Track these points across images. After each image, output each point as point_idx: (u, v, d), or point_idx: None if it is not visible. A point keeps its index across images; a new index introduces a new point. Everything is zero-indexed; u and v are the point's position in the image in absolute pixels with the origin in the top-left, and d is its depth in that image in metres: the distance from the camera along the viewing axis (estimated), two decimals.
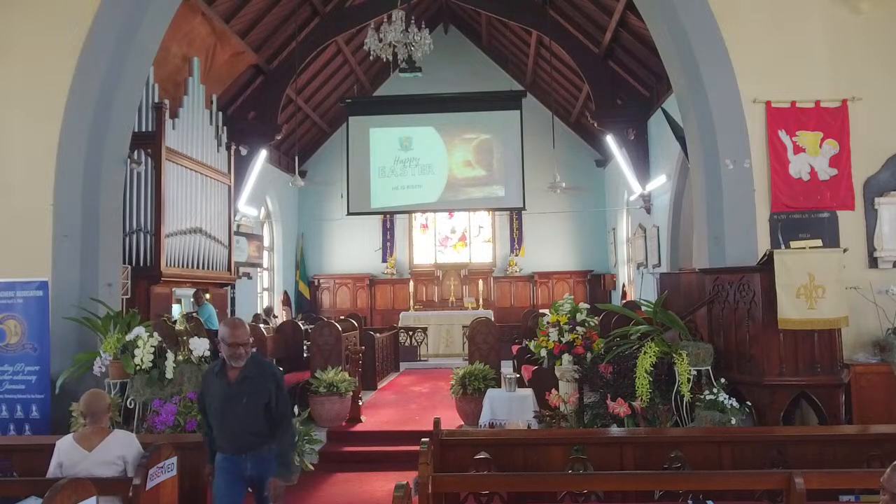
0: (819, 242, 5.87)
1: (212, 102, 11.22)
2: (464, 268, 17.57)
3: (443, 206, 15.92)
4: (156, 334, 5.95)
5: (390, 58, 9.49)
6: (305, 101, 15.49)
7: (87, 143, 6.46)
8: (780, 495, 3.68)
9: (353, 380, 7.77)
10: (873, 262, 6.12)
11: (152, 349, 5.76)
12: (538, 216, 16.88)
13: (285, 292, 16.93)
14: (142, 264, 9.09)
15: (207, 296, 10.28)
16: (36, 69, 6.49)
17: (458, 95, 15.26)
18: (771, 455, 4.24)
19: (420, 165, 15.31)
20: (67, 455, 3.72)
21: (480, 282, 17.31)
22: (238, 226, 13.05)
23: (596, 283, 17.15)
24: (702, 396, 5.18)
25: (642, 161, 13.00)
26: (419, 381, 11.33)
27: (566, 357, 6.18)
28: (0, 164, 6.48)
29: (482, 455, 4.21)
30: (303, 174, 16.72)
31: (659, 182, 12.27)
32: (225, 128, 11.59)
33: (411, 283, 17.29)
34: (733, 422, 4.95)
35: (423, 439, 3.83)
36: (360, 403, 8.06)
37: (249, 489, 3.97)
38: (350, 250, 17.88)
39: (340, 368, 7.96)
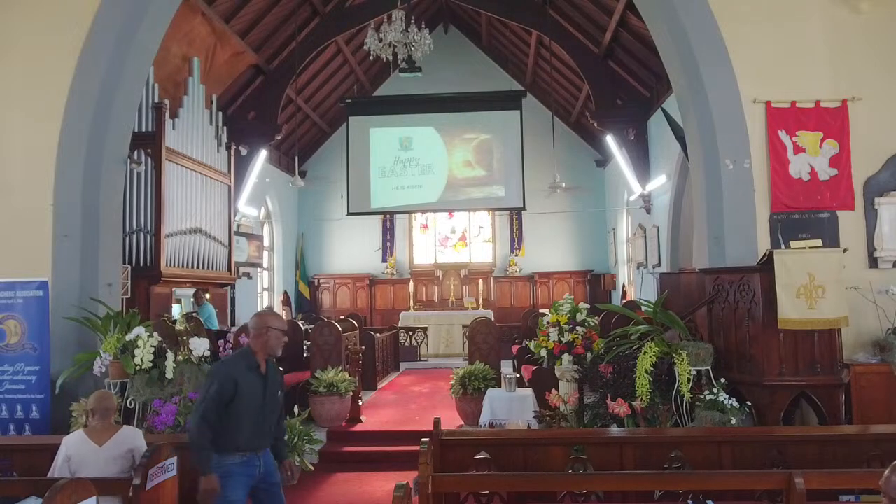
0: (819, 242, 5.88)
1: (212, 102, 11.22)
2: (464, 268, 17.57)
3: (443, 206, 15.92)
4: (156, 334, 5.95)
5: (390, 58, 9.49)
6: (305, 101, 15.49)
7: (87, 143, 6.47)
8: (780, 495, 3.68)
9: (353, 380, 7.77)
10: (873, 262, 6.12)
11: (152, 349, 5.76)
12: (538, 216, 16.88)
13: (285, 292, 16.93)
14: (142, 264, 9.09)
15: (207, 296, 10.28)
16: (36, 69, 6.49)
17: (458, 95, 15.26)
18: (771, 455, 4.24)
19: (420, 165, 15.31)
20: (77, 449, 3.78)
21: (480, 282, 17.31)
22: (238, 226, 13.05)
23: (596, 283, 17.15)
24: (702, 396, 5.18)
25: (642, 161, 13.00)
26: (419, 381, 11.33)
27: (566, 357, 6.18)
28: (0, 164, 6.48)
29: (482, 455, 4.21)
30: (303, 174, 16.72)
31: (659, 182, 12.27)
32: (225, 128, 11.59)
33: (411, 283, 17.29)
34: (733, 422, 4.95)
35: (423, 439, 3.83)
36: (360, 403, 8.05)
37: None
38: (350, 250, 17.88)
39: (340, 368, 7.96)
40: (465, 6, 14.27)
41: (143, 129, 9.34)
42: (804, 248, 5.53)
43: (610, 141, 13.47)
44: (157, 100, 9.59)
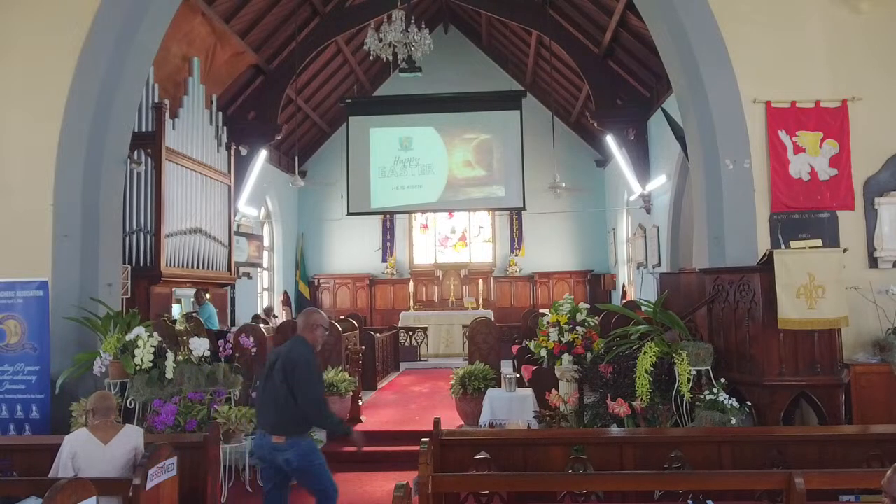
0: (819, 242, 5.87)
1: (212, 102, 11.22)
2: (464, 268, 17.57)
3: (443, 206, 15.92)
4: (156, 334, 5.96)
5: (390, 58, 9.49)
6: (305, 101, 15.48)
7: (87, 143, 6.47)
8: (780, 495, 3.68)
9: (353, 380, 7.77)
10: (873, 262, 6.12)
11: (152, 349, 5.77)
12: (538, 216, 16.88)
13: (285, 292, 16.93)
14: (142, 264, 9.09)
15: (208, 296, 10.28)
16: (36, 69, 6.50)
17: (458, 95, 15.26)
18: (771, 455, 4.24)
19: (420, 165, 15.30)
20: (83, 447, 3.81)
21: (480, 282, 17.31)
22: (238, 226, 13.05)
23: (596, 283, 17.14)
24: (702, 396, 5.18)
25: (642, 161, 13.00)
26: (419, 381, 11.33)
27: (566, 357, 6.18)
28: (0, 164, 6.48)
29: (482, 455, 4.21)
30: (303, 174, 16.72)
31: (659, 182, 12.27)
32: (225, 128, 11.59)
33: (411, 283, 17.29)
34: (733, 422, 4.95)
35: (423, 439, 3.83)
36: (360, 403, 8.05)
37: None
38: (350, 250, 17.88)
39: (340, 368, 7.96)
40: (465, 6, 14.27)
41: (143, 129, 9.34)
42: (804, 248, 5.53)
43: (610, 141, 13.47)
44: (157, 100, 9.59)
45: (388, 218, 17.55)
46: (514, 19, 13.49)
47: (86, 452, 3.80)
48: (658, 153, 12.44)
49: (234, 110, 13.38)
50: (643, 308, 6.62)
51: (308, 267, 17.73)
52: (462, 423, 7.55)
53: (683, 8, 6.33)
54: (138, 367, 5.71)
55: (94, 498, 3.10)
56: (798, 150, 6.20)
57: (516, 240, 17.66)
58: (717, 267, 6.04)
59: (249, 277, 14.70)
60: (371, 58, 9.80)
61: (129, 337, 5.81)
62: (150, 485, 3.62)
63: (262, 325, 9.55)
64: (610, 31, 11.67)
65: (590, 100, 13.61)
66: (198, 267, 10.33)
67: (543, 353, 6.44)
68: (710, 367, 5.43)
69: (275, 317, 13.60)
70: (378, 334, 11.57)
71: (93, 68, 6.47)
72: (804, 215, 6.17)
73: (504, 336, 10.44)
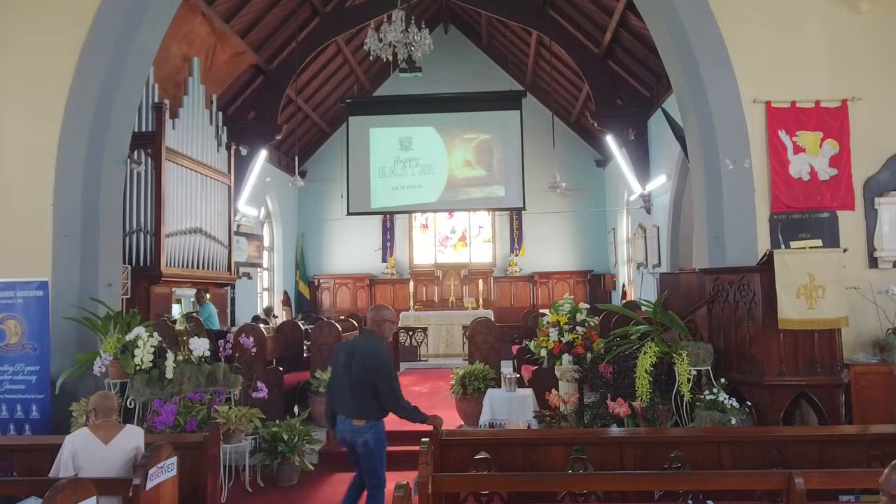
0: (819, 242, 5.87)
1: (212, 102, 11.22)
2: (464, 268, 17.56)
3: (443, 206, 15.91)
4: (156, 334, 5.95)
5: (390, 58, 9.48)
6: (305, 101, 15.48)
7: (87, 143, 6.47)
8: (780, 495, 3.69)
9: None
10: (873, 262, 6.12)
11: (152, 349, 5.77)
12: (538, 216, 16.88)
13: (285, 292, 16.93)
14: (142, 264, 9.09)
15: (208, 296, 10.28)
16: (36, 69, 6.50)
17: (458, 95, 15.25)
18: (771, 455, 4.24)
19: (420, 165, 15.30)
20: (84, 446, 3.81)
21: (480, 282, 17.31)
22: (238, 226, 13.04)
23: (596, 283, 17.14)
24: (702, 396, 5.18)
25: (642, 161, 13.00)
26: (419, 381, 11.33)
27: (566, 357, 6.19)
28: (0, 164, 6.48)
29: (482, 455, 4.21)
30: (303, 174, 16.72)
31: (659, 182, 12.27)
32: (225, 128, 11.59)
33: (411, 283, 17.29)
34: (733, 422, 4.95)
35: (423, 439, 3.84)
36: None
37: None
38: (350, 250, 17.88)
39: None
40: (465, 6, 14.26)
41: (143, 129, 9.34)
42: (804, 248, 5.53)
43: (610, 141, 13.47)
44: (157, 100, 9.59)
45: (388, 218, 17.55)
46: (514, 19, 13.49)
47: (86, 452, 3.80)
48: (658, 153, 12.44)
49: (234, 110, 13.38)
50: (643, 308, 6.62)
51: (308, 267, 17.72)
52: (462, 423, 7.55)
53: (683, 8, 6.33)
54: (138, 367, 5.71)
55: (94, 498, 3.10)
56: (798, 150, 6.20)
57: (516, 240, 17.66)
58: (717, 267, 6.04)
59: (249, 277, 14.69)
60: (371, 58, 9.80)
61: (129, 337, 5.81)
62: (150, 485, 3.62)
63: (262, 326, 9.55)
64: (610, 31, 11.67)
65: (590, 100, 13.61)
66: (198, 267, 10.33)
67: (543, 353, 6.45)
68: (710, 367, 5.43)
69: (275, 317, 13.59)
70: None
71: (93, 68, 6.47)
72: (804, 215, 6.17)
73: (504, 336, 10.42)
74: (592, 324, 6.45)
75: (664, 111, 10.68)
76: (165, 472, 3.82)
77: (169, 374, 5.70)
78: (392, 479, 4.74)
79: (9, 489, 3.78)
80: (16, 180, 6.44)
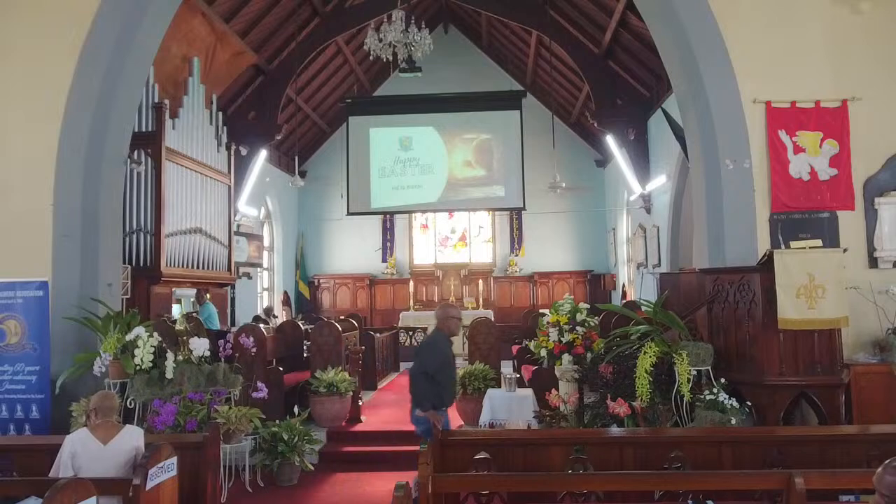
0: (819, 242, 5.87)
1: (212, 102, 11.22)
2: (464, 268, 17.57)
3: (443, 206, 15.92)
4: (156, 334, 5.95)
5: (390, 58, 9.48)
6: (305, 101, 15.48)
7: (87, 143, 6.47)
8: (780, 495, 3.68)
9: (353, 380, 7.77)
10: (873, 262, 6.12)
11: (152, 349, 5.77)
12: (538, 216, 16.88)
13: (285, 292, 16.93)
14: (142, 264, 9.09)
15: (208, 296, 10.28)
16: (36, 70, 6.49)
17: (458, 95, 15.25)
18: (771, 455, 4.24)
19: (420, 165, 15.30)
20: (83, 447, 3.81)
21: (480, 282, 17.31)
22: (238, 226, 13.04)
23: (596, 283, 17.14)
24: (702, 396, 5.18)
25: (642, 161, 13.00)
26: None
27: (566, 357, 6.19)
28: (0, 164, 6.48)
29: (482, 455, 4.20)
30: (303, 174, 16.72)
31: (659, 182, 12.27)
32: (225, 128, 11.59)
33: (411, 283, 17.29)
34: (733, 422, 4.95)
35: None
36: (360, 403, 8.06)
37: None
38: (350, 250, 17.88)
39: (340, 368, 7.96)
40: (465, 6, 14.26)
41: (143, 129, 9.34)
42: (804, 248, 5.53)
43: (610, 141, 13.47)
44: (157, 100, 9.59)
45: (388, 218, 17.55)
46: (514, 19, 13.49)
47: (86, 452, 3.80)
48: (658, 153, 12.44)
49: (234, 110, 13.38)
50: (643, 308, 6.62)
51: (308, 267, 17.73)
52: (462, 423, 7.55)
53: (683, 8, 6.32)
54: (138, 367, 5.71)
55: (94, 498, 3.10)
56: (798, 150, 6.19)
57: (516, 240, 17.66)
58: (717, 267, 6.04)
59: (249, 277, 14.69)
60: (371, 58, 9.80)
61: (129, 337, 5.80)
62: (150, 485, 3.62)
63: (262, 326, 9.55)
64: (610, 31, 11.67)
65: (590, 100, 13.61)
66: (198, 267, 10.33)
67: (543, 353, 6.44)
68: (710, 367, 5.43)
69: (275, 317, 13.59)
70: (378, 334, 11.57)
71: (93, 68, 6.46)
72: (804, 215, 6.17)
73: (504, 336, 10.42)
74: (592, 324, 6.45)
75: (664, 111, 10.67)
76: (165, 472, 3.82)
77: (169, 374, 5.70)
78: (392, 479, 4.75)
79: (9, 489, 3.78)
80: (16, 180, 6.44)
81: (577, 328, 6.30)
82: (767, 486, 3.76)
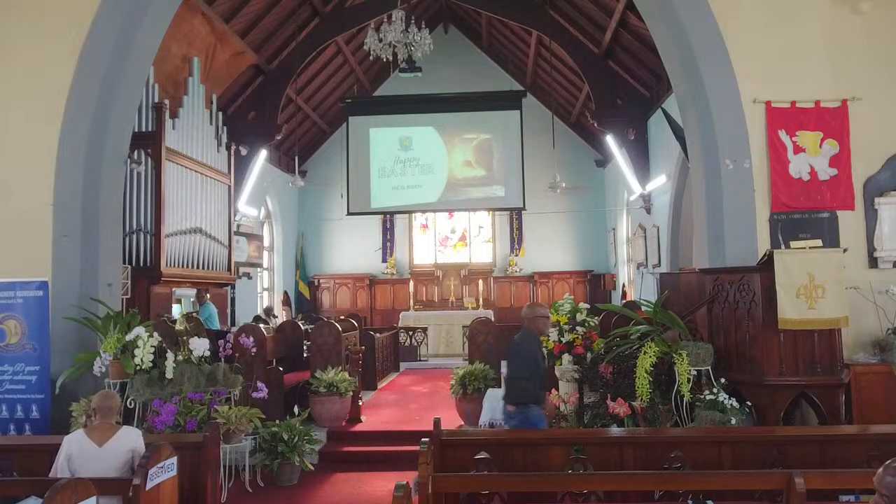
0: (819, 242, 5.87)
1: (212, 102, 11.22)
2: (464, 268, 17.57)
3: (443, 206, 15.91)
4: (156, 334, 5.95)
5: (390, 58, 9.48)
6: (305, 101, 15.48)
7: (87, 143, 6.47)
8: (780, 495, 3.68)
9: (353, 380, 7.77)
10: (873, 262, 6.12)
11: (152, 349, 5.77)
12: (538, 216, 16.88)
13: (285, 292, 16.93)
14: (142, 264, 9.09)
15: (208, 296, 10.28)
16: (36, 69, 6.50)
17: (458, 95, 15.25)
18: (771, 455, 4.24)
19: (420, 165, 15.30)
20: (79, 448, 3.80)
21: (480, 282, 17.31)
22: (238, 226, 13.04)
23: (596, 283, 17.14)
24: (702, 396, 5.18)
25: (642, 161, 13.00)
26: (419, 381, 11.33)
27: (566, 357, 6.19)
28: (0, 164, 6.48)
29: (482, 455, 4.20)
30: (303, 174, 16.72)
31: (659, 182, 12.26)
32: (225, 128, 11.59)
33: (411, 283, 17.29)
34: (733, 422, 4.95)
35: (423, 439, 3.83)
36: (360, 403, 8.06)
37: None
38: (350, 250, 17.88)
39: (340, 368, 7.96)
40: (465, 6, 14.26)
41: (143, 129, 9.33)
42: (804, 248, 5.53)
43: (610, 141, 13.46)
44: (157, 100, 9.59)
45: (388, 218, 17.55)
46: (514, 19, 13.48)
47: (81, 455, 3.78)
48: (658, 153, 12.44)
49: (234, 110, 13.37)
50: (643, 308, 6.62)
51: (308, 267, 17.72)
52: (462, 423, 7.55)
53: (683, 8, 6.33)
54: (138, 367, 5.71)
55: (94, 498, 3.10)
56: (798, 150, 6.20)
57: (516, 240, 17.66)
58: (717, 267, 6.04)
59: (249, 277, 14.69)
60: (371, 58, 9.80)
61: (129, 337, 5.81)
62: (150, 485, 3.62)
63: (262, 326, 9.55)
64: (610, 31, 11.67)
65: (590, 100, 13.61)
66: (198, 267, 10.33)
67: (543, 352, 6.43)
68: (710, 367, 5.43)
69: (275, 317, 13.60)
70: (378, 334, 11.57)
71: (93, 68, 6.47)
72: (804, 215, 6.17)
73: (504, 336, 10.41)
74: (592, 324, 6.45)
75: (664, 111, 10.67)
76: (165, 472, 3.81)
77: (169, 374, 5.70)
78: (392, 479, 4.76)
79: (9, 489, 3.78)
80: (16, 180, 6.44)
81: (577, 328, 6.30)
82: (767, 486, 3.76)
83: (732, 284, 5.59)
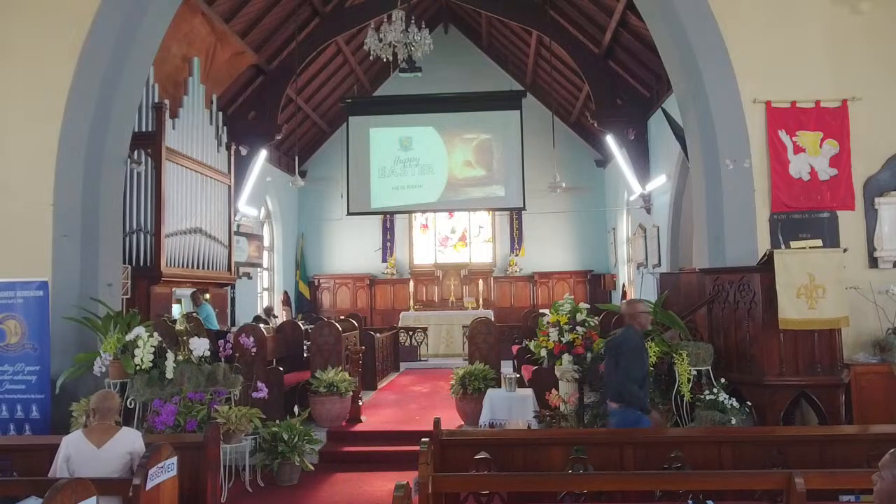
0: (819, 242, 5.88)
1: (212, 102, 11.22)
2: (464, 268, 17.56)
3: (443, 206, 15.91)
4: (156, 334, 5.95)
5: (390, 58, 9.48)
6: (305, 101, 15.48)
7: (87, 143, 6.47)
8: (780, 495, 3.68)
9: (353, 380, 7.77)
10: (873, 262, 6.12)
11: (152, 349, 5.77)
12: (538, 216, 16.88)
13: (285, 292, 16.93)
14: (142, 264, 9.09)
15: (206, 296, 10.27)
16: (36, 69, 6.50)
17: (458, 95, 15.25)
18: (771, 455, 4.24)
19: (420, 165, 15.30)
20: (77, 449, 3.78)
21: (480, 282, 17.31)
22: (238, 226, 13.04)
23: (596, 283, 17.14)
24: (702, 396, 5.18)
25: (642, 161, 13.00)
26: (419, 381, 11.33)
27: (566, 357, 6.19)
28: (0, 164, 6.48)
29: (482, 455, 4.21)
30: (303, 174, 16.72)
31: (659, 182, 12.26)
32: (225, 128, 11.59)
33: (411, 283, 17.29)
34: (733, 422, 4.96)
35: (423, 439, 3.83)
36: (360, 403, 8.06)
37: None
38: (350, 250, 17.88)
39: (340, 368, 7.96)
40: (465, 6, 14.26)
41: (143, 129, 9.33)
42: (804, 248, 5.53)
43: (610, 141, 13.46)
44: (157, 100, 9.58)
45: (388, 218, 17.55)
46: (514, 19, 13.48)
47: (79, 456, 3.77)
48: (658, 153, 12.44)
49: (234, 110, 13.37)
50: None
51: (308, 267, 17.72)
52: (462, 423, 7.55)
53: (683, 8, 6.33)
54: (138, 367, 5.71)
55: (94, 498, 3.10)
56: (798, 150, 6.20)
57: (516, 240, 17.66)
58: (717, 267, 6.04)
59: (249, 277, 14.69)
60: (371, 58, 9.80)
61: (129, 337, 5.80)
62: (150, 485, 3.62)
63: (262, 326, 9.55)
64: (610, 31, 11.67)
65: (590, 100, 13.61)
66: (198, 267, 10.33)
67: (543, 353, 6.45)
68: (710, 367, 5.44)
69: (275, 317, 13.60)
70: (378, 334, 11.57)
71: (93, 68, 6.47)
72: (804, 215, 6.17)
73: (504, 336, 10.44)
74: (592, 324, 6.45)
75: (664, 111, 10.67)
76: (165, 472, 3.81)
77: (169, 374, 5.70)
78: (392, 479, 4.76)
79: (9, 489, 3.78)
80: (16, 180, 6.44)
81: (577, 328, 6.30)
82: (767, 486, 3.76)
83: (732, 284, 5.59)
